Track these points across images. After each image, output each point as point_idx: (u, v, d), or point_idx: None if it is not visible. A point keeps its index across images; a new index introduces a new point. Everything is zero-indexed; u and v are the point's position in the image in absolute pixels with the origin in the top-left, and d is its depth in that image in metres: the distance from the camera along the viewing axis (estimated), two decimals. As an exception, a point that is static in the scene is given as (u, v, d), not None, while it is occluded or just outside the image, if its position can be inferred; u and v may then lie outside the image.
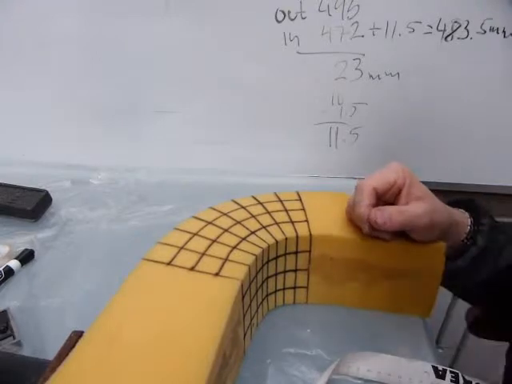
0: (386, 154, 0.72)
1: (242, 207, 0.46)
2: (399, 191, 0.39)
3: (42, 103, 0.68)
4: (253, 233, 0.42)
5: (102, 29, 0.61)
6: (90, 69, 0.65)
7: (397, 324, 0.47)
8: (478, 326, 0.64)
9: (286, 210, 0.46)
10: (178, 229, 0.42)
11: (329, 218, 0.44)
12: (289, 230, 0.43)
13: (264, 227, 0.43)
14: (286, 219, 0.45)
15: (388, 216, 0.37)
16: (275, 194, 0.48)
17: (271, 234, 0.42)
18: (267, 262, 0.43)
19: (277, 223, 0.44)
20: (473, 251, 0.40)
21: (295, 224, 0.44)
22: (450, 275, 0.42)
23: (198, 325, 0.32)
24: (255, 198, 0.47)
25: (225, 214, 0.44)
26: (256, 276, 0.41)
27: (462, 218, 0.42)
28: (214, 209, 0.45)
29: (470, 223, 0.41)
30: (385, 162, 0.72)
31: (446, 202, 0.43)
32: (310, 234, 0.43)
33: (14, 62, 0.65)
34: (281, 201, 0.47)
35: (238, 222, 0.43)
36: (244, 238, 0.41)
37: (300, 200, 0.47)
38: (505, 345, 0.57)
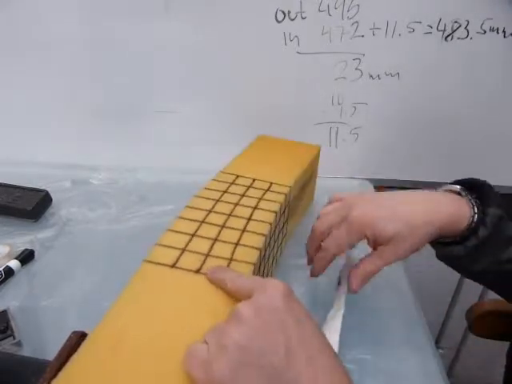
0: (386, 154, 0.73)
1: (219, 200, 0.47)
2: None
3: (42, 103, 0.68)
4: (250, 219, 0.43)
5: (102, 29, 0.61)
6: (89, 69, 0.65)
7: (397, 324, 0.47)
8: (479, 326, 0.64)
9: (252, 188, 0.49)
10: (173, 230, 0.42)
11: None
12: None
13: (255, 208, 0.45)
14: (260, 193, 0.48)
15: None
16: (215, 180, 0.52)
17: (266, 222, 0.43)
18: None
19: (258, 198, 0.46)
20: (472, 241, 0.38)
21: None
22: (449, 260, 0.41)
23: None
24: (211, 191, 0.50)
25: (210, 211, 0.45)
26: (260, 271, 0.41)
27: (460, 212, 0.39)
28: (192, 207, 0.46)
29: (472, 213, 0.39)
30: (384, 162, 0.73)
31: (456, 181, 0.42)
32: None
33: (14, 62, 0.65)
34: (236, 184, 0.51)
35: (230, 215, 0.44)
36: (244, 230, 0.41)
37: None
38: (505, 345, 0.57)
